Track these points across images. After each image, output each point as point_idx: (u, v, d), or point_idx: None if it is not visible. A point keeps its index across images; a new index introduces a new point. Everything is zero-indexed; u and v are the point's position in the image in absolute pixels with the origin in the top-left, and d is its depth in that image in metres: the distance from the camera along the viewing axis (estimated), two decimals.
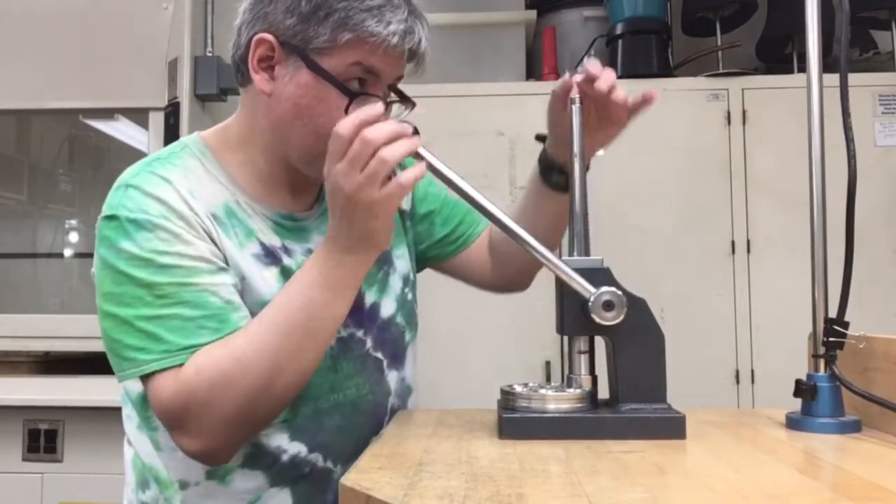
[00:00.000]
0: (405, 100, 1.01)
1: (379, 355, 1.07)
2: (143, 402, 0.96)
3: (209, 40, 2.34)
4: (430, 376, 2.17)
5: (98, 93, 2.30)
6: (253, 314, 0.92)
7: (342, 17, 0.91)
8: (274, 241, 0.99)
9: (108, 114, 2.44)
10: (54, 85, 2.31)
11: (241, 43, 0.97)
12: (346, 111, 0.92)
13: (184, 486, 0.97)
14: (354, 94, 0.93)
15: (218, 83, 2.26)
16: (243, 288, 0.94)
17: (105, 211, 0.93)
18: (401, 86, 1.01)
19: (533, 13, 2.56)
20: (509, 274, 1.21)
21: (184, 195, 0.93)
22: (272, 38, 0.94)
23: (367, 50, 0.92)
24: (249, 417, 0.88)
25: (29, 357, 2.28)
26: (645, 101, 1.03)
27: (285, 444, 0.97)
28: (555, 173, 1.10)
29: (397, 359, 1.10)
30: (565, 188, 1.07)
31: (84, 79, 2.30)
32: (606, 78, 0.98)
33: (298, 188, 1.03)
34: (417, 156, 0.89)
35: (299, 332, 0.88)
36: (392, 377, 1.09)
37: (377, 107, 0.86)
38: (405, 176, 0.86)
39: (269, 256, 0.97)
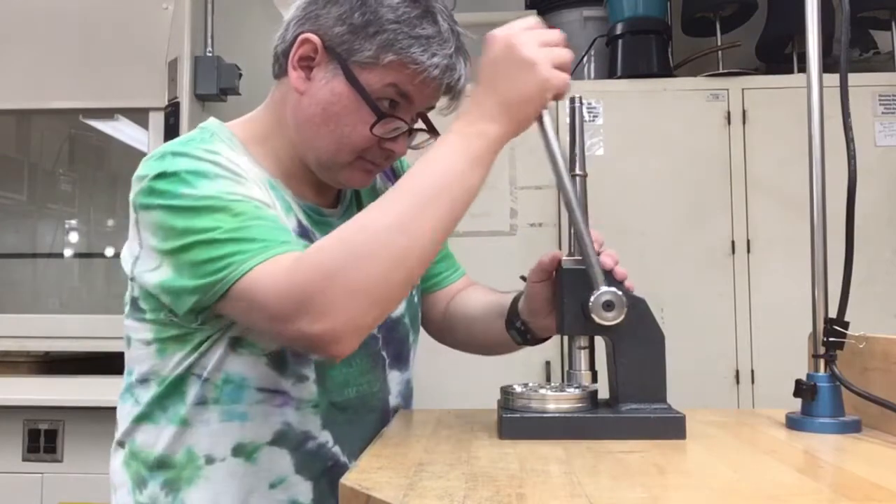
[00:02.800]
0: (431, 130, 1.01)
1: (384, 354, 1.07)
2: (180, 380, 0.95)
3: (209, 40, 2.33)
4: (430, 376, 2.17)
5: (98, 93, 2.30)
6: None
7: (390, 38, 0.92)
8: (307, 224, 1.00)
9: (108, 114, 2.44)
10: (54, 85, 2.31)
11: (287, 37, 0.98)
12: (371, 130, 0.94)
13: (210, 461, 0.95)
14: (383, 114, 0.94)
15: (218, 83, 2.26)
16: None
17: (152, 171, 0.90)
18: None
19: (533, 13, 2.56)
20: (452, 343, 1.23)
21: (234, 161, 0.93)
22: (318, 40, 0.95)
23: (407, 75, 0.93)
24: (382, 292, 0.81)
25: (29, 357, 2.27)
26: None
27: (315, 431, 0.98)
28: (515, 327, 1.09)
29: (401, 359, 1.10)
30: (518, 344, 1.10)
31: (84, 79, 2.30)
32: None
33: (322, 184, 1.03)
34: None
35: (436, 203, 0.82)
36: (394, 377, 1.09)
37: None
38: (566, 74, 0.86)
39: (303, 237, 0.98)
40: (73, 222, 2.92)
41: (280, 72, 1.01)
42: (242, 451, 0.96)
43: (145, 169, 0.92)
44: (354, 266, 0.79)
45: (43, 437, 2.11)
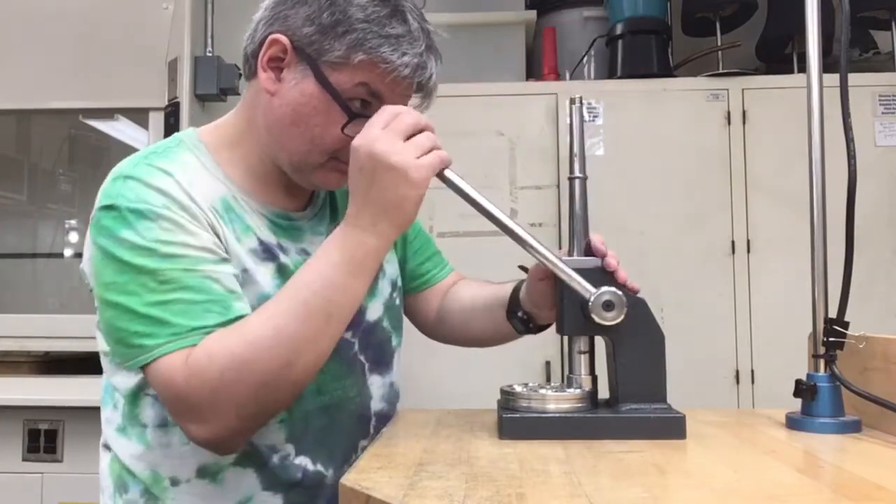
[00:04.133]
0: None
1: (363, 358, 1.06)
2: (134, 398, 0.96)
3: (209, 40, 2.34)
4: (430, 376, 2.18)
5: (98, 93, 2.30)
6: (252, 308, 0.90)
7: (360, 37, 0.91)
8: (269, 238, 0.99)
9: (108, 114, 2.44)
10: (54, 85, 2.31)
11: (256, 38, 0.98)
12: (343, 130, 0.93)
13: (175, 482, 0.96)
14: (355, 114, 0.93)
15: (218, 83, 2.26)
16: (244, 280, 0.93)
17: (102, 201, 0.91)
18: None
19: (533, 13, 2.56)
20: (448, 337, 1.23)
21: (185, 187, 0.92)
22: (287, 41, 0.94)
23: (378, 75, 0.93)
24: (265, 403, 0.86)
25: (29, 357, 2.27)
26: None
27: (280, 444, 0.97)
28: (517, 317, 1.10)
29: (382, 363, 1.09)
30: (520, 333, 1.12)
31: (84, 79, 2.30)
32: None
33: (292, 187, 1.02)
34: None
35: (318, 316, 0.86)
36: (375, 381, 1.08)
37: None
38: (444, 153, 0.88)
39: (266, 252, 0.97)
40: (73, 222, 2.92)
41: (250, 73, 1.00)
42: (207, 473, 0.95)
43: (102, 191, 0.93)
44: (241, 381, 0.84)
45: (43, 437, 2.11)
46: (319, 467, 1.00)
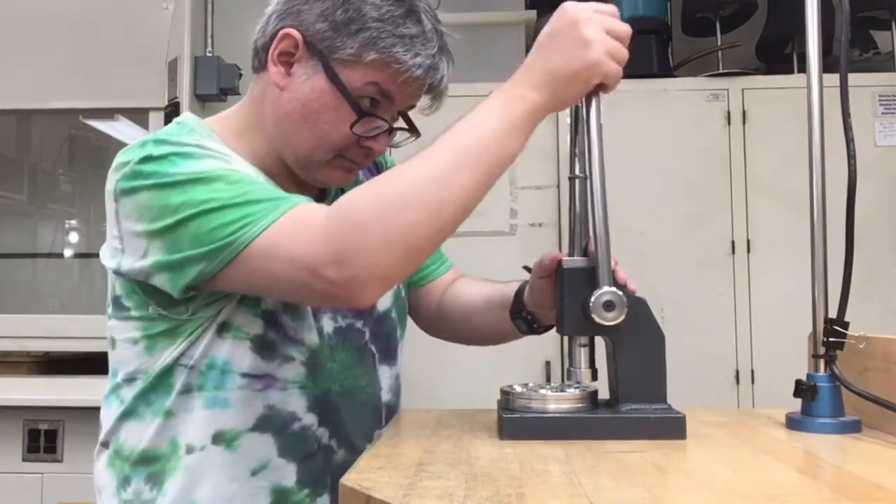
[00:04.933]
0: (412, 129, 1.01)
1: (373, 348, 1.06)
2: (167, 372, 0.94)
3: (209, 40, 2.34)
4: (430, 376, 2.18)
5: (98, 93, 2.30)
6: None
7: (373, 36, 0.91)
8: None
9: (108, 114, 2.44)
10: (54, 85, 2.31)
11: (268, 31, 0.97)
12: (352, 128, 0.93)
13: (189, 450, 0.95)
14: (364, 112, 0.93)
15: (218, 83, 2.26)
16: None
17: (135, 155, 0.88)
18: None
19: (533, 13, 2.56)
20: (447, 334, 1.22)
21: (218, 150, 0.91)
22: (299, 35, 0.93)
23: (389, 74, 0.92)
24: (413, 243, 0.80)
25: (29, 357, 2.27)
26: None
27: (301, 412, 0.97)
28: (521, 317, 1.09)
29: (390, 354, 1.10)
30: (524, 333, 1.11)
31: (84, 79, 2.30)
32: None
33: (301, 181, 1.02)
34: None
35: (471, 160, 0.82)
36: (384, 372, 1.08)
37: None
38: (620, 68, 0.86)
39: None
40: (73, 222, 2.92)
41: (259, 66, 1.00)
42: (222, 439, 0.94)
43: (126, 156, 0.90)
44: (389, 215, 0.79)
45: (43, 437, 2.11)
46: (333, 443, 1.00)
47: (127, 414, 0.97)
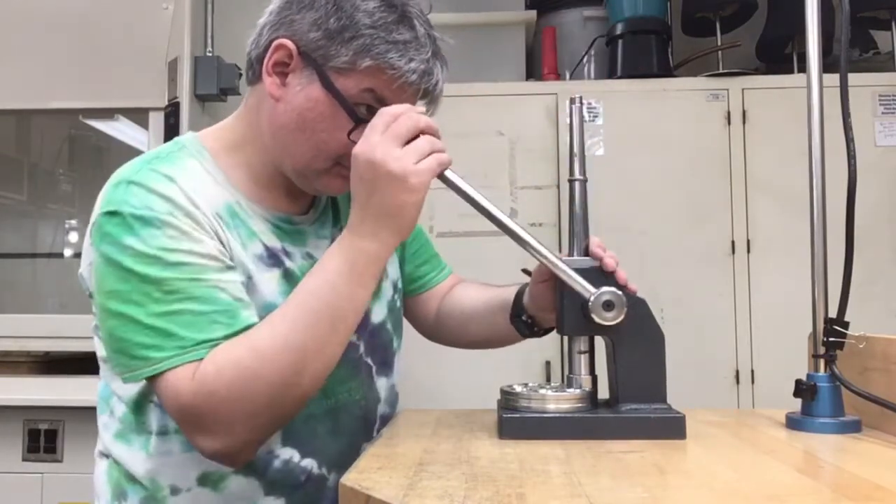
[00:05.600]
0: None
1: (369, 361, 1.06)
2: (138, 406, 0.95)
3: (209, 40, 2.34)
4: (430, 376, 2.18)
5: (98, 93, 2.30)
6: (259, 316, 0.90)
7: (367, 43, 0.91)
8: (275, 243, 0.98)
9: (108, 114, 2.44)
10: (54, 85, 2.31)
11: (261, 43, 0.97)
12: (349, 136, 0.93)
13: (175, 491, 0.95)
14: (361, 119, 0.93)
15: (218, 83, 2.26)
16: (249, 287, 0.93)
17: (104, 207, 0.90)
18: None
19: (533, 13, 2.56)
20: (447, 340, 1.23)
21: (189, 193, 0.91)
22: (293, 45, 0.93)
23: (384, 80, 0.92)
24: (275, 412, 0.86)
25: (29, 357, 2.27)
26: None
27: (277, 449, 0.96)
28: (521, 320, 1.10)
29: (386, 365, 1.09)
30: (524, 336, 1.12)
31: (84, 79, 2.30)
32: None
33: (295, 191, 1.02)
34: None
35: (324, 324, 0.86)
36: (381, 384, 1.08)
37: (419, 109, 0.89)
38: (444, 154, 0.88)
39: (272, 258, 0.97)
40: (73, 222, 2.92)
41: (254, 78, 0.99)
42: (208, 481, 0.94)
43: (103, 197, 0.92)
44: (251, 392, 0.83)
45: (43, 437, 2.11)
46: (324, 470, 0.99)
47: (119, 434, 0.98)
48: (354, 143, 0.92)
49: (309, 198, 1.06)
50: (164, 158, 0.95)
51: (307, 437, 0.98)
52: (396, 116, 0.87)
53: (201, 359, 0.84)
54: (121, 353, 0.87)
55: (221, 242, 0.92)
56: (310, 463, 0.98)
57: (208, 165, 0.97)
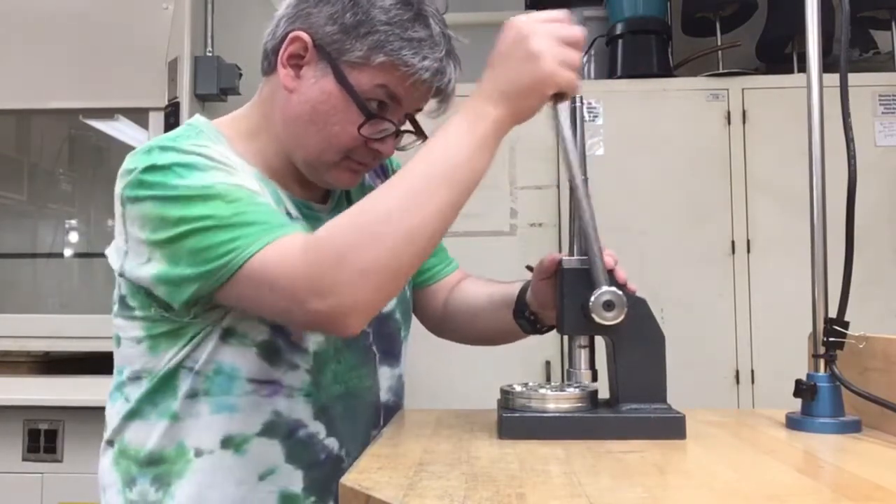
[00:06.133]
0: (419, 132, 1.02)
1: (374, 349, 1.07)
2: (170, 374, 0.95)
3: (209, 40, 2.33)
4: (430, 376, 2.18)
5: (98, 93, 2.30)
6: None
7: (381, 39, 0.92)
8: (297, 217, 1.00)
9: (108, 114, 2.44)
10: (54, 85, 2.31)
11: (277, 34, 0.98)
12: (360, 130, 0.94)
13: (199, 453, 0.95)
14: (372, 115, 0.94)
15: (218, 83, 2.26)
16: None
17: (141, 163, 0.90)
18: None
19: (532, 13, 2.56)
20: (453, 335, 1.23)
21: (224, 156, 0.92)
22: (308, 38, 0.95)
23: (397, 77, 0.93)
24: (392, 269, 0.82)
25: (29, 357, 2.27)
26: None
27: (307, 420, 0.98)
28: (524, 317, 1.10)
29: (392, 355, 1.10)
30: (527, 333, 1.12)
31: (84, 79, 2.29)
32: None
33: (309, 182, 1.03)
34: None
35: (439, 182, 0.83)
36: (384, 372, 1.08)
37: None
38: (575, 75, 0.86)
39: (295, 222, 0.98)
40: (73, 222, 2.92)
41: (269, 68, 1.01)
42: (231, 443, 0.95)
43: (133, 162, 0.92)
44: (363, 246, 0.80)
45: (43, 437, 2.11)
46: (343, 452, 1.01)
47: (132, 414, 0.98)
48: (365, 138, 0.93)
49: (322, 189, 1.07)
50: (185, 136, 0.96)
51: (333, 417, 1.00)
52: (564, 20, 0.87)
53: (292, 234, 0.84)
54: (206, 260, 0.85)
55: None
56: (332, 442, 1.00)
57: (226, 148, 0.98)
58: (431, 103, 1.00)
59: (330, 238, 0.82)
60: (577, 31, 0.87)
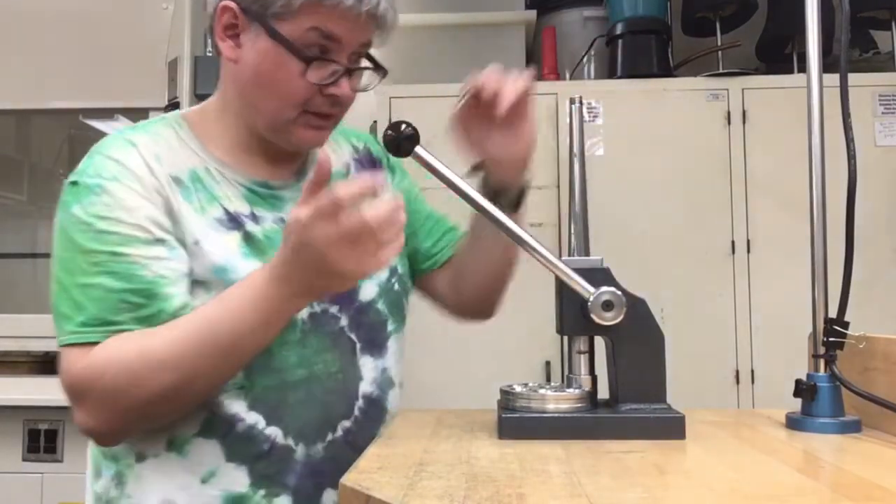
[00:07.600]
0: (377, 67, 1.02)
1: (353, 336, 1.04)
2: None
3: (209, 40, 2.34)
4: (430, 376, 2.18)
5: (98, 93, 2.30)
6: (203, 280, 0.93)
7: None
8: (241, 207, 0.99)
9: (108, 114, 2.44)
10: (54, 85, 2.31)
11: (209, 12, 1.00)
12: (304, 75, 0.94)
13: (140, 458, 0.96)
14: (310, 58, 0.94)
15: (218, 83, 2.26)
16: (195, 252, 0.94)
17: (70, 177, 0.96)
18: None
19: (533, 13, 2.56)
20: (467, 304, 1.20)
21: (146, 157, 0.95)
22: (234, 5, 0.96)
23: (324, 14, 0.93)
24: (149, 415, 0.91)
25: (29, 357, 2.27)
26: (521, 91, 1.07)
27: (243, 413, 0.95)
28: (501, 198, 1.07)
29: (375, 345, 1.07)
30: (513, 210, 1.08)
31: (84, 79, 2.30)
32: (491, 84, 1.03)
33: (277, 159, 1.04)
34: (416, 156, 0.90)
35: (220, 352, 0.88)
36: (366, 362, 1.05)
37: (380, 177, 0.90)
38: (386, 252, 0.81)
39: (232, 222, 0.98)
40: None
41: (217, 49, 1.03)
42: (174, 446, 0.96)
43: (80, 163, 0.98)
44: (131, 393, 0.88)
45: (43, 437, 2.11)
46: (290, 441, 0.98)
47: None
48: (316, 85, 0.95)
49: (294, 166, 1.07)
50: (139, 128, 1.01)
51: (275, 405, 0.97)
52: (341, 207, 0.79)
53: (98, 342, 0.89)
54: (54, 316, 0.93)
55: (170, 208, 0.94)
56: (275, 431, 0.97)
57: (184, 134, 1.02)
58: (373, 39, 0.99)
59: (105, 370, 0.88)
60: (356, 218, 0.78)
